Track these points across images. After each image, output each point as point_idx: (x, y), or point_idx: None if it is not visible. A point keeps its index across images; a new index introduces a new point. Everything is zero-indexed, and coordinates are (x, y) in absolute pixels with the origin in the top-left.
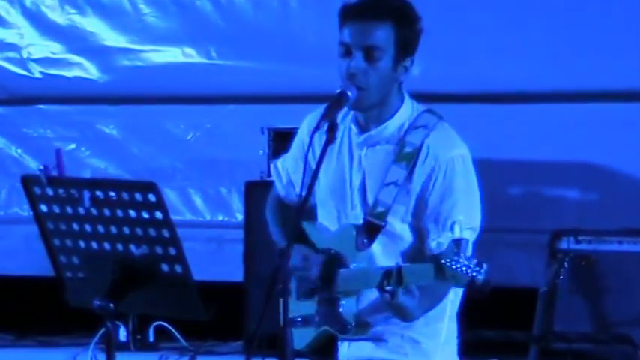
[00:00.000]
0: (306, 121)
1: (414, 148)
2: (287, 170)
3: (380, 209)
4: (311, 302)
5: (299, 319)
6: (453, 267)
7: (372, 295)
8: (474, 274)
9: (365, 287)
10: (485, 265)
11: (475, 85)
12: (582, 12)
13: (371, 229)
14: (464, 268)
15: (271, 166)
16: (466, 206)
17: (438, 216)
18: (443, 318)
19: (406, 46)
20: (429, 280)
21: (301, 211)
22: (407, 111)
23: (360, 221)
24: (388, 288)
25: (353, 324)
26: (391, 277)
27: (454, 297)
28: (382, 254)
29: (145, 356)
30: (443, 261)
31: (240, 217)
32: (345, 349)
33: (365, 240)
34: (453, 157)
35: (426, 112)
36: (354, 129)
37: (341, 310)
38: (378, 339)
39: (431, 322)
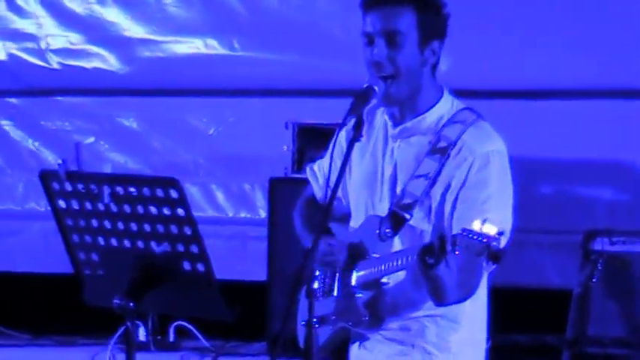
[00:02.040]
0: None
1: (449, 142)
2: (323, 171)
3: (407, 201)
4: (328, 301)
5: (315, 320)
6: (469, 236)
7: (388, 289)
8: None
9: (385, 272)
10: (503, 235)
11: (506, 82)
12: (614, 9)
13: (396, 220)
14: (479, 238)
15: (307, 168)
16: (498, 205)
17: (467, 210)
18: (456, 329)
19: (430, 29)
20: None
21: (328, 208)
22: (446, 105)
23: (386, 213)
24: (430, 261)
25: (367, 317)
26: (433, 249)
27: (470, 308)
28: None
29: (166, 357)
30: (459, 232)
31: (263, 213)
32: (355, 350)
33: (388, 230)
34: (489, 152)
35: (465, 109)
36: (389, 122)
37: (357, 302)
38: (390, 339)
39: (443, 332)
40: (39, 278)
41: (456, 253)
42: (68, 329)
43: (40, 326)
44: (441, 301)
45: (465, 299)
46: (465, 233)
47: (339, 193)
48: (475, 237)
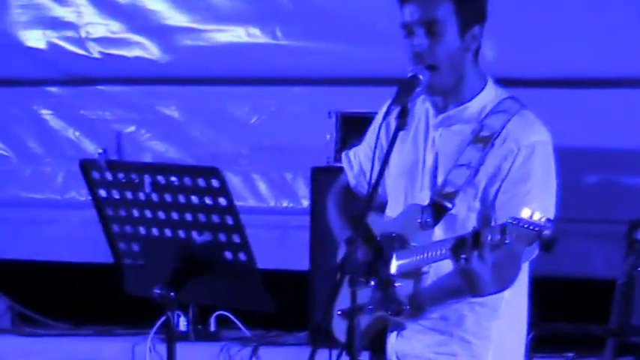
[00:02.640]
0: (384, 107)
1: (492, 132)
2: (359, 158)
3: (449, 190)
4: (365, 291)
5: (352, 309)
6: (520, 225)
7: (428, 279)
8: (540, 228)
9: (425, 262)
10: (551, 223)
11: (550, 70)
12: None
13: (437, 209)
14: (530, 226)
15: (342, 155)
16: (541, 195)
17: (510, 201)
18: (495, 317)
19: (470, 14)
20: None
21: (371, 198)
22: (489, 95)
23: (427, 202)
24: (462, 255)
25: (408, 306)
26: (465, 242)
27: (510, 296)
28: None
29: (206, 347)
30: (508, 221)
31: (305, 203)
32: (393, 339)
33: (429, 220)
34: (534, 143)
35: (509, 98)
36: (431, 110)
37: (396, 291)
38: (429, 328)
39: (483, 321)
40: (79, 268)
41: (506, 242)
42: (108, 319)
43: (80, 316)
44: (476, 293)
45: (501, 291)
46: (514, 222)
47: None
48: (526, 225)
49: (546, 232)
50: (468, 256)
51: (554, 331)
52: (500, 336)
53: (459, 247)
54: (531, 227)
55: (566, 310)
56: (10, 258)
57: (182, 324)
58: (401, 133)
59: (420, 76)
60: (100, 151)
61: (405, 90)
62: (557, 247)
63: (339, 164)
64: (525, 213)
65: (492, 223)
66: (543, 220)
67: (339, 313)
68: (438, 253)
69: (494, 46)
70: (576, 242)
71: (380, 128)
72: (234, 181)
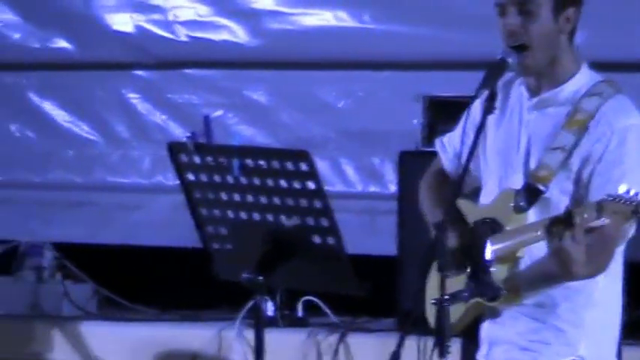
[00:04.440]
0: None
1: (587, 115)
2: (454, 144)
3: (543, 173)
4: (460, 278)
5: (447, 297)
6: (616, 201)
7: (523, 263)
8: (637, 203)
9: (520, 245)
10: None
11: None
12: None
13: (531, 192)
14: (627, 201)
15: (436, 140)
16: (636, 177)
17: (604, 184)
18: (589, 305)
19: None
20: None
21: (460, 181)
22: (584, 78)
23: (521, 185)
24: (556, 234)
25: (504, 290)
26: (559, 222)
27: (604, 283)
28: None
29: (294, 332)
30: (604, 196)
31: (392, 187)
32: (485, 325)
33: (523, 203)
34: (628, 126)
35: (603, 81)
36: (525, 93)
37: (492, 277)
38: (524, 315)
39: (577, 309)
40: (165, 252)
41: (604, 220)
42: (195, 304)
43: (167, 301)
44: (569, 275)
45: (595, 275)
46: (610, 198)
47: (471, 167)
48: (622, 201)
49: None
50: (562, 236)
51: None
52: (593, 324)
53: (553, 227)
54: (628, 202)
55: None
56: (96, 242)
57: (269, 309)
58: (494, 117)
59: (509, 59)
60: (189, 134)
61: (493, 73)
62: None
63: (427, 149)
64: (622, 189)
65: (583, 203)
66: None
67: (433, 302)
68: (533, 235)
69: (586, 29)
70: None
71: (469, 113)
72: (321, 165)
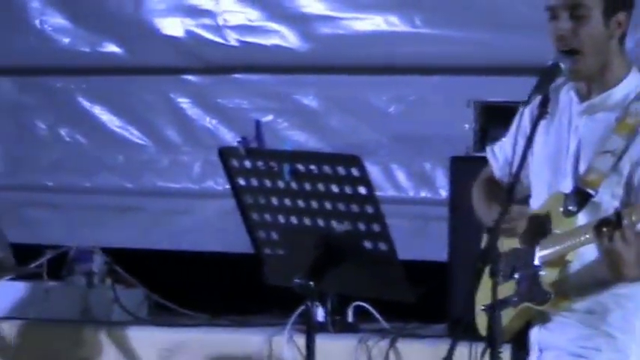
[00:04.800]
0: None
1: (637, 119)
2: (504, 151)
3: (592, 177)
4: (509, 284)
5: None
6: None
7: (573, 267)
8: None
9: (569, 248)
10: None
11: None
12: None
13: (580, 196)
14: None
15: (487, 148)
16: None
17: None
18: None
19: (615, 0)
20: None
21: (512, 187)
22: (633, 81)
23: (570, 190)
24: (606, 234)
25: (552, 294)
26: (608, 223)
27: None
28: None
29: (344, 338)
30: None
31: (443, 193)
32: (536, 331)
33: (572, 207)
34: None
35: None
36: (575, 98)
37: (541, 281)
38: (575, 321)
39: (627, 315)
40: (216, 257)
41: None
42: (245, 310)
43: (218, 306)
44: (618, 277)
45: None
46: None
47: (521, 175)
48: None
49: None
50: (612, 237)
51: None
52: None
53: (602, 228)
54: None
55: None
56: (147, 248)
57: (320, 315)
58: (544, 123)
59: (561, 64)
60: (240, 139)
61: (545, 78)
62: None
63: (478, 154)
64: None
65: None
66: None
67: (483, 308)
68: (582, 238)
69: (634, 34)
70: None
71: (520, 119)
72: (372, 170)
